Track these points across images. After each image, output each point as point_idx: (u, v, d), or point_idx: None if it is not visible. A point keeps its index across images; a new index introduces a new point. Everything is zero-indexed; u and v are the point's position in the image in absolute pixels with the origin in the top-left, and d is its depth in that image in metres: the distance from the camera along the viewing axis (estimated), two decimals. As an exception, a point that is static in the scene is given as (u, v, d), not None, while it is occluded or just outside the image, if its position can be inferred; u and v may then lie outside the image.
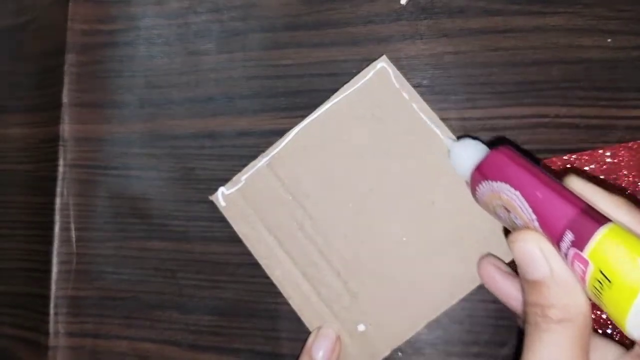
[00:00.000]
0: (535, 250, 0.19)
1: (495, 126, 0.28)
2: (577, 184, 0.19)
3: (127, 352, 0.31)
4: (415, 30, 0.28)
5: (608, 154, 0.26)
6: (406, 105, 0.28)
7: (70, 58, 0.33)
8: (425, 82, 0.28)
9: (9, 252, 0.34)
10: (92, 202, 0.32)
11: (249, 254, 0.29)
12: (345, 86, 0.28)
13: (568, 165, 0.27)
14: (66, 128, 0.32)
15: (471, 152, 0.23)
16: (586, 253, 0.17)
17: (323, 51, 0.29)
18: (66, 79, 0.33)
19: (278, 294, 0.29)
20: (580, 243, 0.17)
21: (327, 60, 0.29)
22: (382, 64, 0.28)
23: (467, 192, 0.27)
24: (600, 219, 0.17)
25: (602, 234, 0.17)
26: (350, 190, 0.28)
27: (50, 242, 0.32)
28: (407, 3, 0.29)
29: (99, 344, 0.31)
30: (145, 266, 0.31)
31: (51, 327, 0.32)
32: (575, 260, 0.18)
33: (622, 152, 0.26)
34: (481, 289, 0.27)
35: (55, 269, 0.32)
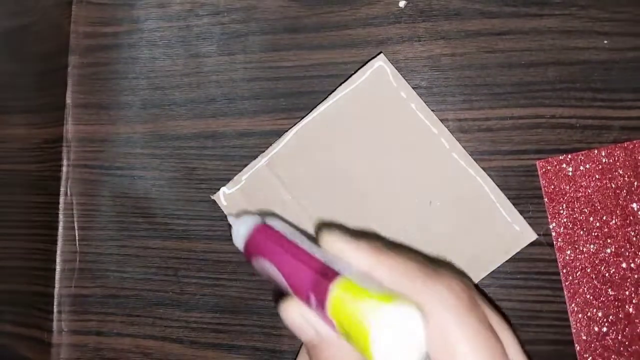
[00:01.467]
0: (296, 317, 0.19)
1: (492, 127, 0.28)
2: (325, 242, 0.20)
3: (130, 349, 0.31)
4: (413, 32, 0.29)
5: (604, 154, 0.27)
6: (404, 104, 0.28)
7: (73, 60, 0.33)
8: (423, 83, 0.28)
9: (13, 250, 0.34)
10: (96, 202, 0.32)
11: (249, 252, 0.29)
12: (343, 85, 0.28)
13: (564, 165, 0.27)
14: (70, 129, 0.33)
15: (243, 230, 0.24)
16: (328, 312, 0.18)
17: (322, 53, 0.30)
18: (70, 81, 0.33)
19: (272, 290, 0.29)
20: (321, 304, 0.18)
21: (327, 62, 0.29)
22: (380, 63, 0.28)
23: (464, 192, 0.27)
24: (332, 276, 0.18)
25: (333, 291, 0.17)
26: (348, 190, 0.28)
27: (54, 241, 0.32)
28: (405, 6, 0.29)
29: (101, 342, 0.31)
30: (147, 264, 0.31)
31: (55, 325, 0.32)
32: (326, 320, 0.18)
33: (618, 152, 0.27)
34: (480, 281, 0.27)
35: (58, 267, 0.32)
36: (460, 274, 0.20)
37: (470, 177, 0.27)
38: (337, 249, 0.19)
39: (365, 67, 0.28)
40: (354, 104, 0.28)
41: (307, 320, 0.19)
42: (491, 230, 0.27)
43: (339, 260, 0.19)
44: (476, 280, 0.27)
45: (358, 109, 0.28)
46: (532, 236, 0.27)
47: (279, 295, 0.20)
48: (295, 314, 0.19)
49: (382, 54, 0.28)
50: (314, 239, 0.20)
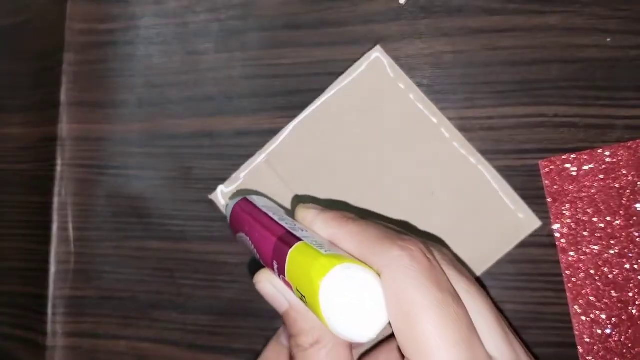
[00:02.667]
0: (268, 287, 0.19)
1: (494, 126, 0.27)
2: (298, 214, 0.20)
3: (126, 352, 0.31)
4: (414, 29, 0.28)
5: (607, 153, 0.26)
6: (402, 95, 0.27)
7: (68, 57, 0.33)
8: (424, 81, 0.28)
9: (6, 251, 0.34)
10: (90, 202, 0.32)
11: (247, 253, 0.29)
12: (340, 78, 0.28)
13: (567, 165, 0.27)
14: (64, 127, 0.32)
15: (229, 207, 0.24)
16: (287, 277, 0.18)
17: (322, 50, 0.29)
18: (64, 79, 0.33)
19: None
20: (282, 269, 0.18)
21: (326, 60, 0.29)
22: (377, 54, 0.28)
23: (466, 181, 0.27)
24: (292, 242, 0.18)
25: (290, 255, 0.17)
26: (349, 183, 0.28)
27: (48, 242, 0.32)
28: (406, 2, 0.29)
29: (97, 344, 0.31)
30: (143, 266, 0.31)
31: (49, 327, 0.32)
32: (288, 286, 0.18)
33: (621, 151, 0.26)
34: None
35: (53, 268, 0.32)
36: (431, 240, 0.19)
37: (471, 166, 0.27)
38: (305, 219, 0.20)
39: (362, 59, 0.28)
40: (352, 97, 0.28)
41: (277, 288, 0.19)
42: (495, 218, 0.26)
43: (305, 229, 0.19)
44: (483, 269, 0.27)
45: (356, 102, 0.28)
46: (536, 223, 0.26)
47: (256, 267, 0.21)
48: (266, 283, 0.19)
49: (378, 46, 0.28)
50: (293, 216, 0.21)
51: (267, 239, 0.19)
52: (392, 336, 0.17)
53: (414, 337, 0.15)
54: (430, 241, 0.19)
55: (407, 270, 0.16)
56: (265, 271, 0.20)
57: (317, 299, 0.16)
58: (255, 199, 0.23)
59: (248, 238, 0.21)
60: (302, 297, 0.17)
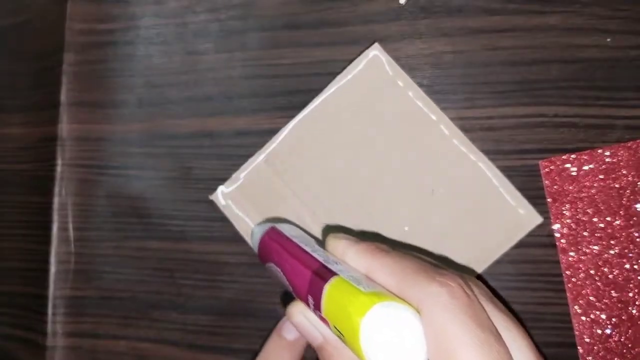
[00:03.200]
0: (303, 320, 0.19)
1: (494, 126, 0.27)
2: (329, 244, 0.20)
3: (126, 352, 0.31)
4: (414, 29, 0.28)
5: (607, 153, 0.26)
6: (401, 93, 0.27)
7: (68, 57, 0.33)
8: (424, 81, 0.28)
9: (6, 251, 0.34)
10: (90, 202, 0.32)
11: (247, 253, 0.29)
12: (338, 76, 0.28)
13: (567, 165, 0.27)
14: (64, 127, 0.32)
15: (256, 236, 0.24)
16: (323, 313, 0.17)
17: (322, 50, 0.29)
18: (64, 79, 0.33)
19: (276, 293, 0.29)
20: (318, 305, 0.18)
21: (326, 60, 0.29)
22: (375, 52, 0.28)
23: (466, 178, 0.27)
24: (328, 276, 0.17)
25: (327, 291, 0.17)
26: (349, 182, 0.28)
27: (48, 242, 0.32)
28: (406, 2, 0.29)
29: (97, 344, 0.31)
30: (143, 266, 0.31)
31: (49, 327, 0.32)
32: (324, 322, 0.18)
33: (622, 151, 0.26)
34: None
35: (53, 268, 0.32)
36: (465, 273, 0.19)
37: (471, 162, 0.27)
38: (339, 251, 0.19)
39: (360, 57, 0.28)
40: (351, 95, 0.28)
41: (311, 322, 0.19)
42: (496, 215, 0.27)
43: (339, 262, 0.19)
44: (484, 266, 0.27)
45: (355, 100, 0.28)
46: (537, 219, 0.26)
47: (287, 299, 0.20)
48: (300, 316, 0.19)
49: (376, 43, 0.28)
50: (323, 244, 0.20)
51: (300, 272, 0.19)
52: None
53: None
54: (465, 273, 0.18)
55: (447, 307, 0.15)
56: (299, 304, 0.19)
57: (358, 338, 0.15)
58: (284, 227, 0.23)
59: (279, 269, 0.21)
60: (340, 334, 0.17)
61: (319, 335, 0.19)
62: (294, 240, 0.21)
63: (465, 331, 0.15)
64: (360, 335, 0.15)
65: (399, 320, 0.16)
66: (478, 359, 0.15)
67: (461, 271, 0.26)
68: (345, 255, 0.19)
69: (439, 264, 0.18)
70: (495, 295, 0.27)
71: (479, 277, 0.27)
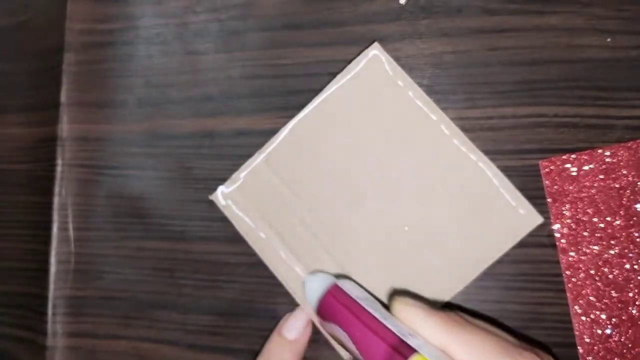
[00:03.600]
0: None
1: (494, 126, 0.27)
2: (399, 311, 0.19)
3: (125, 351, 0.31)
4: (414, 29, 0.28)
5: (607, 153, 0.26)
6: (401, 92, 0.27)
7: (68, 57, 0.33)
8: (424, 81, 0.28)
9: (7, 251, 0.34)
10: (91, 202, 0.32)
11: (247, 253, 0.29)
12: (338, 76, 0.28)
13: (567, 165, 0.27)
14: (64, 127, 0.32)
15: (317, 290, 0.24)
16: None
17: (322, 50, 0.29)
18: (64, 79, 0.33)
19: (276, 293, 0.29)
20: None
21: (326, 60, 0.29)
22: (375, 52, 0.28)
23: (466, 177, 0.26)
24: (407, 353, 0.17)
25: None
26: (349, 182, 0.28)
27: (48, 242, 0.32)
28: (406, 2, 0.29)
29: (97, 344, 0.31)
30: (143, 266, 0.31)
31: (49, 327, 0.32)
32: None
33: (622, 151, 0.26)
34: (482, 283, 0.27)
35: (53, 268, 0.32)
36: (544, 350, 0.19)
37: (472, 162, 0.27)
38: (411, 320, 0.19)
39: (359, 56, 0.28)
40: (350, 95, 0.28)
41: None
42: (496, 215, 0.26)
43: (414, 335, 0.18)
44: (484, 266, 0.27)
45: (354, 100, 0.28)
46: (537, 219, 0.26)
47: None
48: None
49: (376, 43, 0.28)
50: (386, 306, 0.20)
51: (374, 344, 0.19)
52: None
53: None
54: (538, 347, 0.18)
55: None
56: None
57: None
58: (347, 285, 0.23)
59: (345, 333, 0.20)
60: None
61: None
62: (362, 303, 0.21)
63: None
64: None
65: None
66: None
67: (462, 271, 0.26)
68: (419, 326, 0.18)
69: (519, 342, 0.18)
70: (495, 296, 0.27)
71: (485, 273, 0.27)
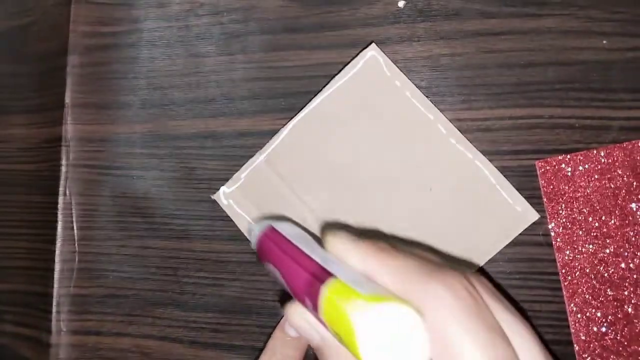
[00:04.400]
0: (300, 322, 0.19)
1: (491, 127, 0.28)
2: (328, 243, 0.19)
3: (129, 349, 0.31)
4: (412, 32, 0.29)
5: (602, 154, 0.27)
6: (398, 92, 0.28)
7: (72, 59, 0.33)
8: (422, 83, 0.28)
9: (12, 250, 0.34)
10: (95, 202, 0.32)
11: (249, 252, 0.29)
12: (336, 77, 0.28)
13: (563, 165, 0.27)
14: (69, 128, 0.33)
15: (255, 235, 0.24)
16: (321, 314, 0.17)
17: (322, 53, 0.30)
18: (69, 80, 0.33)
19: (278, 291, 0.29)
20: (315, 306, 0.17)
21: (326, 62, 0.29)
22: (372, 53, 0.28)
23: (463, 176, 0.27)
24: (325, 278, 0.17)
25: (324, 293, 0.17)
26: (348, 181, 0.28)
27: (52, 241, 0.32)
28: (404, 6, 0.29)
29: (101, 342, 0.31)
30: (147, 264, 0.31)
31: (54, 325, 0.32)
32: (322, 323, 0.18)
33: (617, 152, 0.27)
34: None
35: (57, 267, 0.32)
36: (469, 271, 0.19)
37: (468, 161, 0.27)
38: (338, 250, 0.19)
39: (357, 57, 0.28)
40: (348, 96, 0.28)
41: (310, 324, 0.19)
42: (492, 212, 0.27)
43: (338, 262, 0.18)
44: (481, 263, 0.27)
45: (353, 100, 0.28)
46: (533, 216, 0.27)
47: (286, 299, 0.20)
48: (298, 317, 0.19)
49: (373, 44, 0.28)
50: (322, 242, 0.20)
51: (297, 273, 0.19)
52: None
53: None
54: (466, 268, 0.18)
55: (449, 308, 0.15)
56: (297, 305, 0.19)
57: (355, 341, 0.15)
58: (282, 226, 0.23)
59: (277, 270, 0.21)
60: (338, 336, 0.17)
61: (317, 336, 0.18)
62: (292, 240, 0.21)
63: (469, 332, 0.15)
64: (357, 338, 0.15)
65: (400, 323, 0.15)
66: (482, 357, 0.14)
67: (461, 265, 0.27)
68: (345, 255, 0.18)
69: (442, 262, 0.18)
70: (498, 289, 0.28)
71: (482, 271, 0.27)
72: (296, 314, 0.19)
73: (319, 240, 0.20)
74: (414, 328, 0.15)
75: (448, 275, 0.16)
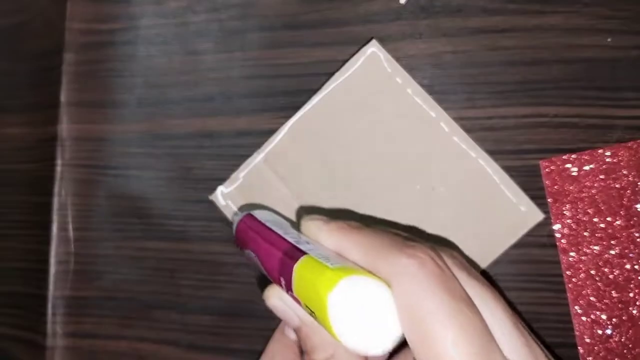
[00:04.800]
0: (278, 303, 0.19)
1: (495, 126, 0.27)
2: (303, 226, 0.20)
3: (125, 352, 0.31)
4: (414, 29, 0.28)
5: (608, 153, 0.26)
6: (400, 89, 0.27)
7: (68, 57, 0.33)
8: (424, 81, 0.28)
9: (6, 251, 0.34)
10: (90, 202, 0.32)
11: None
12: (336, 74, 0.28)
13: (568, 165, 0.27)
14: (64, 127, 0.32)
15: (235, 222, 0.24)
16: (294, 292, 0.18)
17: (322, 50, 0.29)
18: (64, 79, 0.33)
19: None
20: (289, 285, 0.18)
21: (326, 60, 0.29)
22: (373, 49, 0.28)
23: (467, 175, 0.27)
24: (297, 255, 0.18)
25: (296, 270, 0.17)
26: (348, 180, 0.28)
27: (48, 242, 0.32)
28: (407, 2, 0.29)
29: (97, 344, 0.31)
30: (143, 266, 0.31)
31: (49, 328, 0.32)
32: (297, 302, 0.18)
33: (622, 151, 0.26)
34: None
35: (53, 269, 0.32)
36: (439, 244, 0.19)
37: (472, 159, 0.27)
38: (312, 231, 0.19)
39: (357, 54, 0.28)
40: (349, 93, 0.28)
41: (287, 304, 0.19)
42: (497, 212, 0.26)
43: (311, 242, 0.19)
44: (485, 264, 0.27)
45: (353, 98, 0.28)
46: (538, 216, 0.26)
47: (264, 283, 0.20)
48: (275, 299, 0.19)
49: (374, 40, 0.28)
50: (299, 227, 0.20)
51: (272, 255, 0.19)
52: (407, 345, 0.16)
53: (429, 349, 0.15)
54: (439, 244, 0.18)
55: (417, 279, 0.15)
56: (274, 287, 0.20)
57: (326, 314, 0.15)
58: (259, 214, 0.23)
59: (254, 255, 0.21)
60: (312, 313, 0.17)
61: (296, 317, 0.19)
62: (268, 224, 0.21)
63: (436, 301, 0.15)
64: (328, 311, 0.15)
65: (368, 294, 0.15)
66: (451, 329, 0.15)
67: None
68: (318, 235, 0.19)
69: (411, 236, 0.18)
70: (500, 292, 0.27)
71: (484, 273, 0.27)
72: (273, 295, 0.19)
73: (297, 226, 0.21)
74: (383, 301, 0.16)
75: (417, 248, 0.16)
